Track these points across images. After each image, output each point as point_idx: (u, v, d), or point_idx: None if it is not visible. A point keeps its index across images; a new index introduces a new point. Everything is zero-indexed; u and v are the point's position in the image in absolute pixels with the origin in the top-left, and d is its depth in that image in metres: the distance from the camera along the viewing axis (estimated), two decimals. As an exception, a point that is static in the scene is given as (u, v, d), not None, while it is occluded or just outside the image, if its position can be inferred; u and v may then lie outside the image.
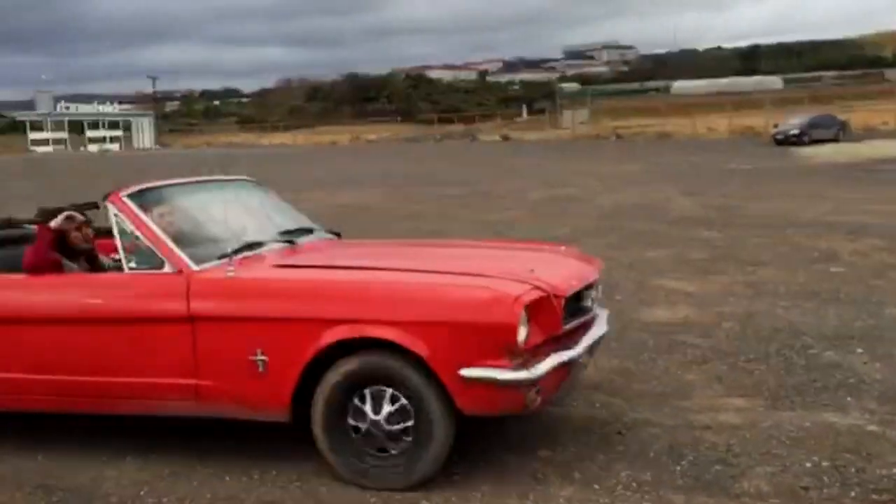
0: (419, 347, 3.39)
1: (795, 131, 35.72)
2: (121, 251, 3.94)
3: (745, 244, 10.21)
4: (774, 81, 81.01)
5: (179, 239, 3.93)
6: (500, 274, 3.66)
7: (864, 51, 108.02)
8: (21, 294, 4.07)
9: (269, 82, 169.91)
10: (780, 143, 35.51)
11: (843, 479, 3.57)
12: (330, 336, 3.49)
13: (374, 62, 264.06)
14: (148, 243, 3.86)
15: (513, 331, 3.32)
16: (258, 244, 4.17)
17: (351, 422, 3.59)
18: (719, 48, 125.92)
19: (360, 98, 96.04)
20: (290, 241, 4.40)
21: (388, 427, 3.52)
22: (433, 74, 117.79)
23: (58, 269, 4.14)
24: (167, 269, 3.81)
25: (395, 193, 19.83)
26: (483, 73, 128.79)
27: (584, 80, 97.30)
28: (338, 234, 4.90)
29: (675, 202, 15.87)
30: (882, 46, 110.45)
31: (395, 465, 3.55)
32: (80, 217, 4.38)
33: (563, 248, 4.75)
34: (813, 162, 26.62)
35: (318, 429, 3.62)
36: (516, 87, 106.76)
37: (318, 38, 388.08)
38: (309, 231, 4.71)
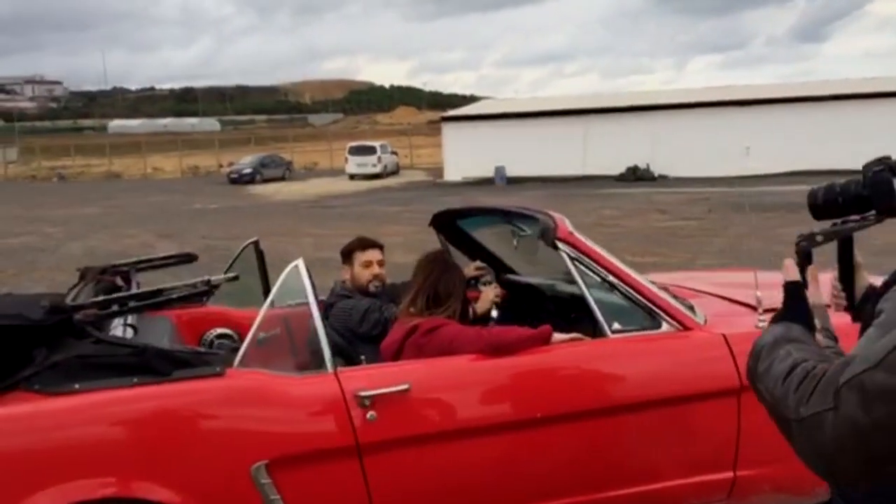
0: None
1: (248, 170, 37.15)
2: (594, 308, 2.86)
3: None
4: (212, 123, 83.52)
5: None
6: None
7: (287, 97, 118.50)
8: None
9: None
10: (234, 181, 36.49)
11: None
12: None
13: None
14: (639, 297, 2.89)
15: None
16: None
17: None
18: (153, 88, 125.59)
19: None
20: None
21: None
22: None
23: None
24: (665, 327, 2.88)
25: None
26: None
27: (7, 116, 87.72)
28: None
29: (159, 246, 14.89)
30: (302, 94, 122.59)
31: None
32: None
33: None
34: (273, 200, 27.84)
35: None
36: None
37: None
38: None
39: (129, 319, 2.78)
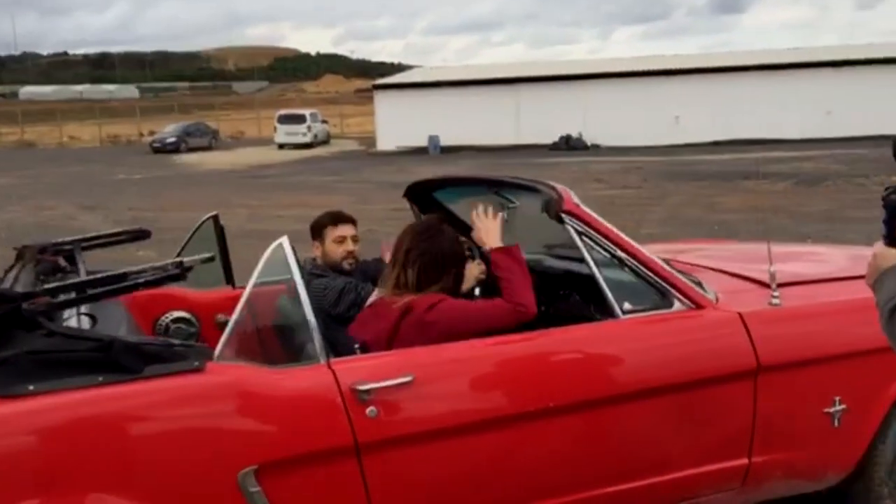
0: None
1: (172, 139, 35.90)
2: (604, 287, 2.64)
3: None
4: (131, 90, 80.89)
5: None
6: None
7: (210, 64, 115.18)
8: None
9: None
10: (158, 151, 35.26)
11: None
12: None
13: None
14: (648, 273, 2.67)
15: None
16: None
17: None
18: (66, 54, 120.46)
19: None
20: None
21: None
22: None
23: None
24: (678, 306, 2.67)
25: None
26: None
27: None
28: None
29: (83, 219, 14.16)
30: (225, 60, 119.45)
31: None
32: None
33: None
34: (200, 170, 26.90)
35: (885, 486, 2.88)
36: None
37: None
38: None
39: (84, 307, 2.42)
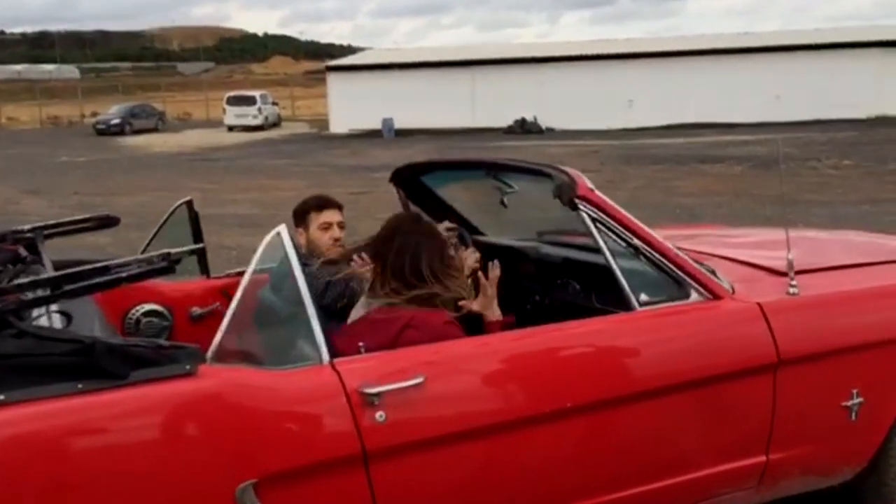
0: None
1: (117, 121, 34.89)
2: (620, 278, 2.45)
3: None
4: (72, 70, 78.66)
5: None
6: None
7: (153, 44, 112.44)
8: None
9: None
10: (102, 133, 34.23)
11: None
12: None
13: None
14: (664, 261, 2.49)
15: None
16: None
17: None
18: (2, 32, 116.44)
19: None
20: None
21: None
22: None
23: None
24: (695, 297, 2.50)
25: None
26: None
27: None
28: None
29: (26, 204, 13.60)
30: (169, 40, 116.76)
31: None
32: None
33: None
34: (148, 152, 26.17)
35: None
36: None
37: None
38: None
39: (56, 303, 2.17)
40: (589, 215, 2.47)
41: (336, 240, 3.18)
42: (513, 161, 2.95)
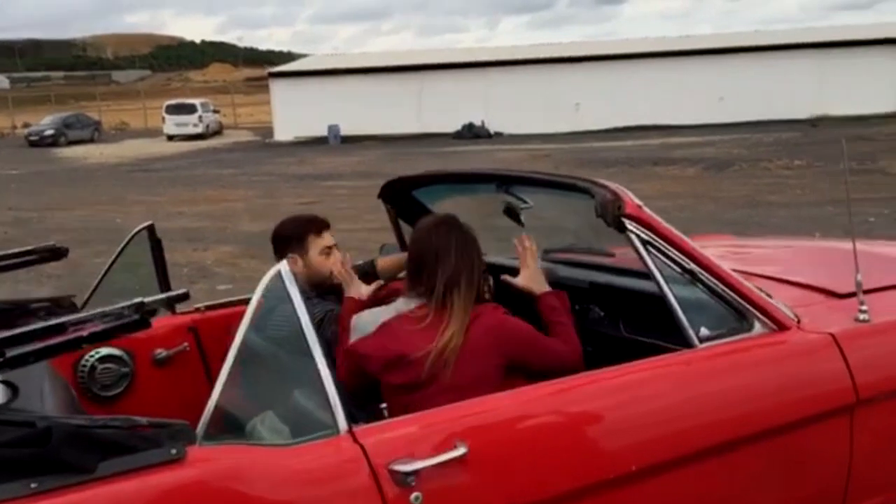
0: None
1: (50, 131, 33.53)
2: (677, 310, 2.09)
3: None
4: (1, 80, 76.07)
5: None
6: None
7: (86, 52, 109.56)
8: None
9: None
10: (34, 144, 32.85)
11: None
12: None
13: None
14: (724, 288, 2.14)
15: None
16: None
17: None
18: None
19: None
20: None
21: None
22: None
23: None
24: (758, 329, 2.15)
25: None
26: None
27: None
28: None
29: (-45, 221, 12.73)
30: (102, 48, 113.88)
31: None
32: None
33: None
34: (85, 164, 25.11)
35: None
36: None
37: None
38: None
39: None
40: (638, 236, 2.11)
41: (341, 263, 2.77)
42: (534, 174, 2.57)
